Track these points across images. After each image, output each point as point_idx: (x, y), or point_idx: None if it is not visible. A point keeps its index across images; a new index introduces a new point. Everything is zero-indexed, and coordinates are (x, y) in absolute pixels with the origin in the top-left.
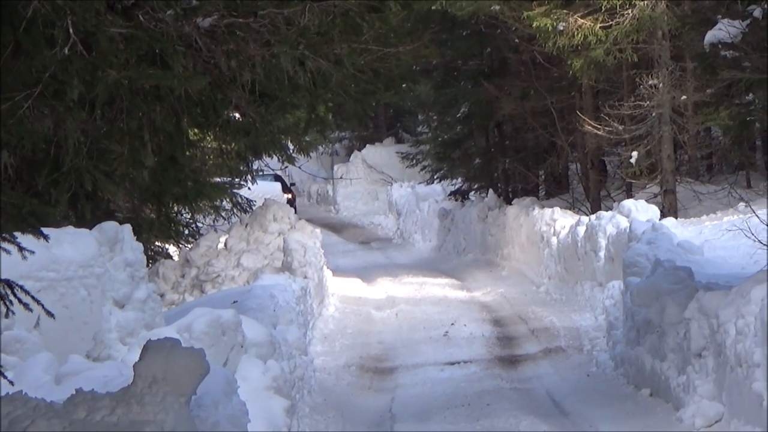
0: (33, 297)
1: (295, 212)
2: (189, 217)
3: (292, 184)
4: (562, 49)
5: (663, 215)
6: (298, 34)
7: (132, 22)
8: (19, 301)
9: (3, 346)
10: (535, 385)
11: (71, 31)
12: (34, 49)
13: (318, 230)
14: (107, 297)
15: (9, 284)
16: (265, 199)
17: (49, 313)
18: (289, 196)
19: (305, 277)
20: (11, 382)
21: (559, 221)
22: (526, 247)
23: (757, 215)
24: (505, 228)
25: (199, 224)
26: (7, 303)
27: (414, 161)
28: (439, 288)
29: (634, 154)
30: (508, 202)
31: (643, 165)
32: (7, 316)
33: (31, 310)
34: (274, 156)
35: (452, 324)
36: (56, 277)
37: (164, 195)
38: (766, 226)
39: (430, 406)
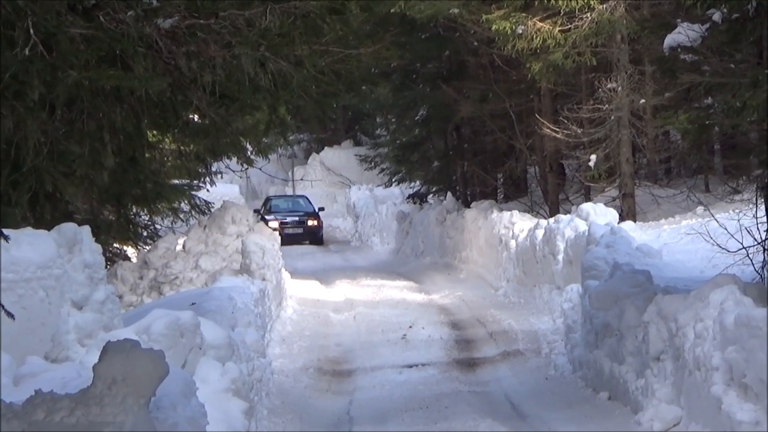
0: None
1: (322, 243)
2: (147, 218)
3: (321, 209)
4: (521, 53)
5: (622, 219)
6: (259, 36)
7: (93, 23)
8: None
9: None
10: (493, 388)
11: (32, 31)
12: None
13: (276, 232)
14: (66, 298)
15: None
16: (223, 201)
17: (9, 314)
18: (315, 223)
19: (264, 279)
20: None
21: (518, 224)
22: (484, 250)
23: (715, 219)
24: (463, 231)
25: (158, 226)
26: None
27: (372, 164)
28: (397, 291)
29: (593, 157)
30: (467, 205)
31: (602, 168)
32: None
33: None
34: (233, 158)
35: (410, 327)
36: (15, 278)
37: (124, 196)
38: (725, 230)
39: (388, 409)
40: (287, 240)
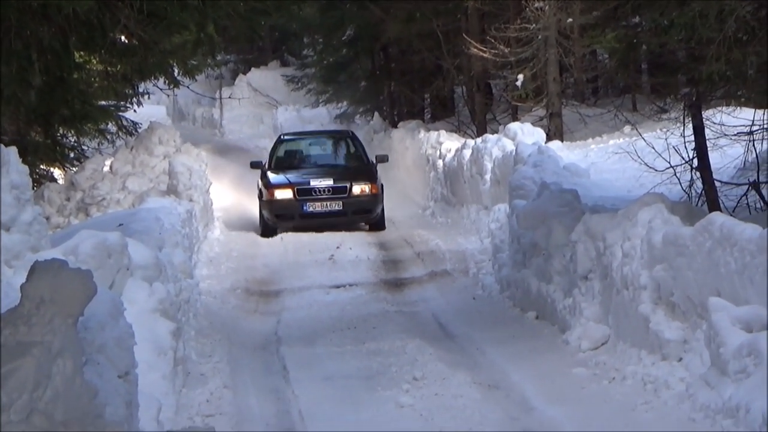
0: None
1: (383, 226)
2: (74, 140)
3: (382, 160)
4: None
5: (549, 138)
6: None
7: None
8: None
9: None
10: (421, 308)
11: None
12: None
13: (203, 153)
14: None
15: None
16: (150, 122)
17: None
18: (368, 188)
19: (191, 200)
20: None
21: (445, 144)
22: (411, 171)
23: (643, 138)
24: (390, 151)
25: (85, 147)
26: None
27: (299, 84)
28: None
29: (520, 77)
30: (394, 125)
31: (529, 88)
32: None
33: None
34: (161, 78)
35: (337, 247)
36: None
37: (51, 117)
38: (652, 149)
39: (316, 329)
40: (310, 222)
